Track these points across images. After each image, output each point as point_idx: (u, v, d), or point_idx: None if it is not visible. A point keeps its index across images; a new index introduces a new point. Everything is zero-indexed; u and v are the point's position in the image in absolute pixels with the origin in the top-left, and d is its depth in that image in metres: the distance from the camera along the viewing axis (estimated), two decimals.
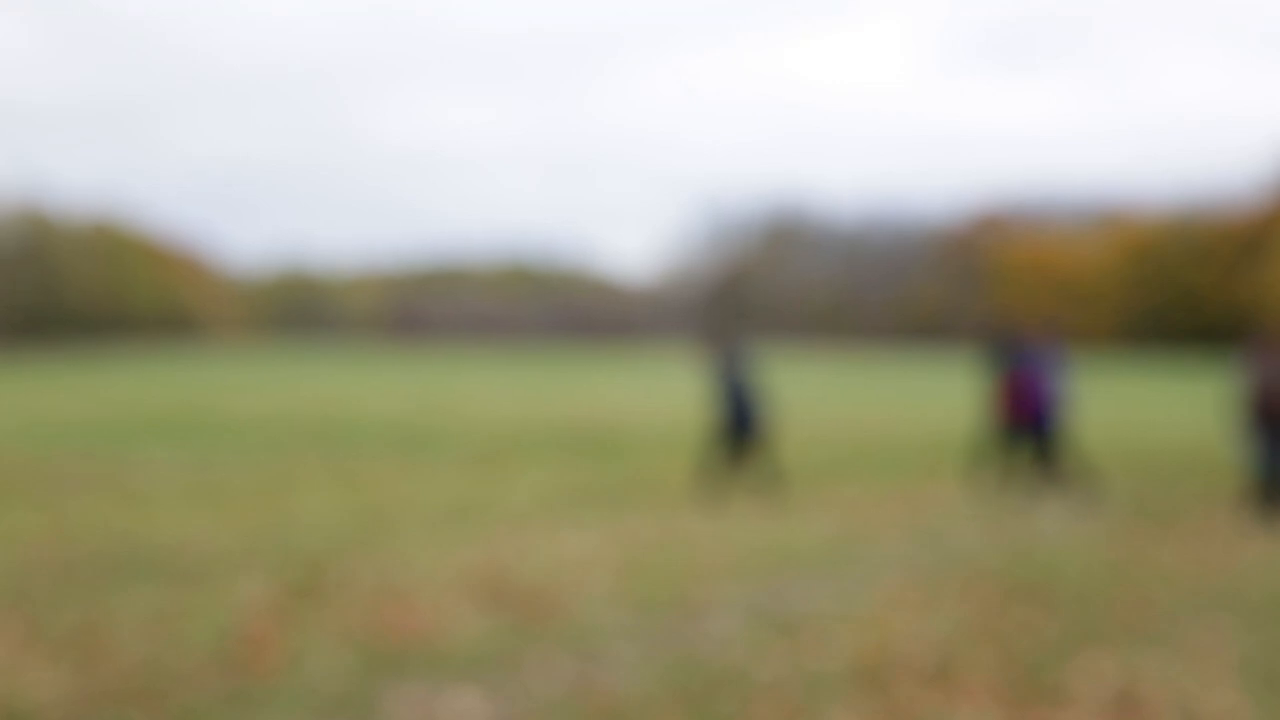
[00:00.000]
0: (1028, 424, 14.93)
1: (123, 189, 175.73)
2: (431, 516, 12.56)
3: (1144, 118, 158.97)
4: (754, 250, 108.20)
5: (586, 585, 8.95)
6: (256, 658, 6.80)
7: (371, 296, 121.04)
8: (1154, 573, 9.89)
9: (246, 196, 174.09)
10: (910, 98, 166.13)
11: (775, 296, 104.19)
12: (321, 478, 15.96)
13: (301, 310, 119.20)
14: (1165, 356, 77.69)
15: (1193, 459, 18.86)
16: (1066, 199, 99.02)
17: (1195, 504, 14.40)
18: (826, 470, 17.23)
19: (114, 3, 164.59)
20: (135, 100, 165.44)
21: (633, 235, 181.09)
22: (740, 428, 14.67)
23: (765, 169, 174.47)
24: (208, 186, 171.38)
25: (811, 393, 42.92)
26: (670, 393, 38.86)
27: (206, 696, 6.19)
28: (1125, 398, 39.89)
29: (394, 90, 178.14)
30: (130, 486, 14.86)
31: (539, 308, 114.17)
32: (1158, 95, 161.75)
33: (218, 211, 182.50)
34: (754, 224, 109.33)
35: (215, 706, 6.05)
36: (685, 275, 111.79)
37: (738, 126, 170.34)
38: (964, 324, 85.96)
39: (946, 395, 38.14)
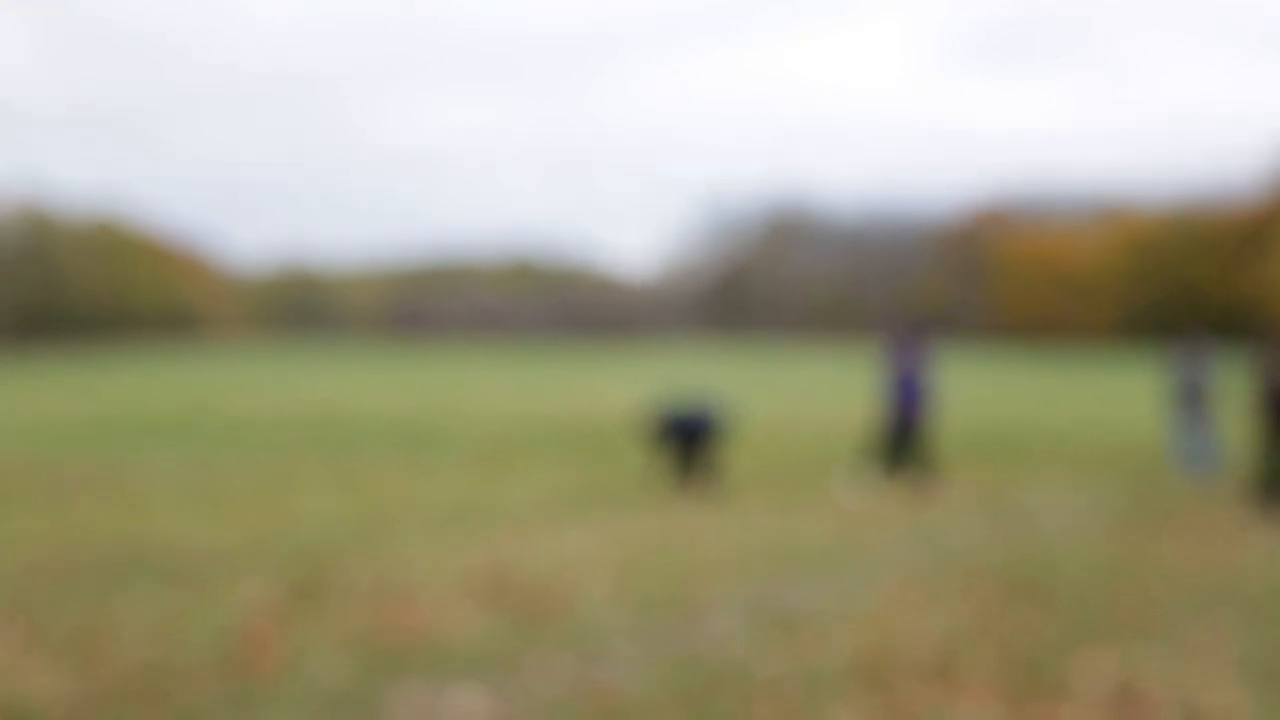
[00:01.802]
0: (901, 415, 15.23)
1: (124, 189, 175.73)
2: (433, 516, 12.57)
3: (1144, 114, 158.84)
4: (755, 246, 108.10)
5: (588, 584, 8.97)
6: (258, 658, 6.82)
7: (373, 294, 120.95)
8: (1154, 569, 9.89)
9: (248, 195, 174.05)
10: (911, 95, 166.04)
11: (777, 292, 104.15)
12: (323, 478, 15.97)
13: (303, 308, 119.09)
14: (1165, 351, 77.62)
15: None
16: (1067, 194, 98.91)
17: (1194, 499, 14.41)
18: (826, 467, 17.22)
19: (114, 6, 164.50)
20: (136, 102, 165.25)
21: (634, 232, 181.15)
22: (694, 429, 15.00)
23: (766, 167, 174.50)
24: (209, 186, 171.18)
25: (813, 388, 42.94)
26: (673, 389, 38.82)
27: (208, 697, 6.20)
28: (1125, 392, 39.87)
29: (395, 90, 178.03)
30: (131, 487, 14.87)
31: (541, 305, 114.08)
32: (1158, 91, 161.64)
33: (219, 211, 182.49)
34: (755, 220, 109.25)
35: (217, 707, 6.07)
36: (687, 271, 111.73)
37: (738, 125, 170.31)
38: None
39: (946, 389, 38.11)
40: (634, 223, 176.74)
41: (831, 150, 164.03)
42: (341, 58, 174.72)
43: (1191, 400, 16.75)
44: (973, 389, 40.06)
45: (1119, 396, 37.52)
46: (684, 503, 13.74)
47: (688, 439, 14.85)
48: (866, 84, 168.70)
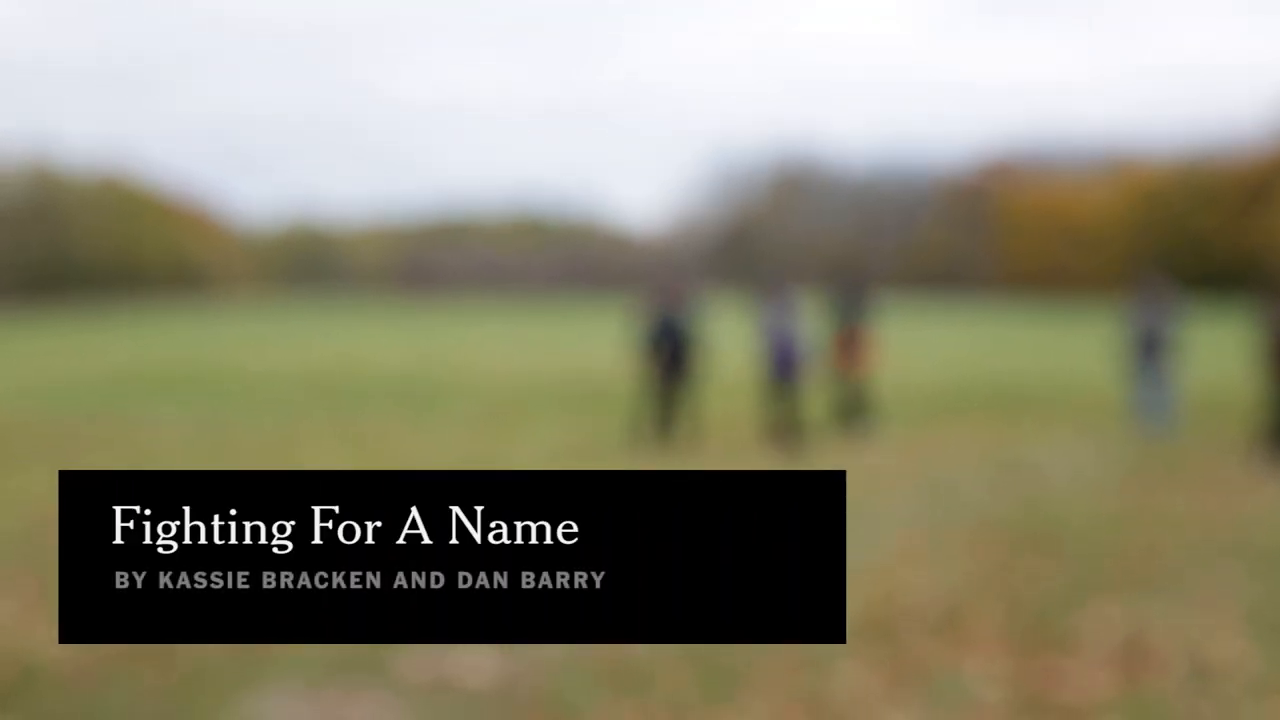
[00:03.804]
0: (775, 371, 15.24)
1: (131, 144, 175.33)
2: None
3: (1151, 65, 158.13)
4: (763, 199, 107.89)
5: None
6: None
7: (381, 249, 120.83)
8: (1161, 521, 9.89)
9: (255, 151, 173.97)
10: (918, 48, 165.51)
11: (784, 245, 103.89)
12: (329, 434, 15.99)
13: (311, 264, 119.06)
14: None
15: (1198, 406, 18.81)
16: (1075, 146, 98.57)
17: (1202, 452, 14.38)
18: (827, 420, 17.20)
19: None
20: (143, 56, 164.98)
21: (642, 186, 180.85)
22: (673, 371, 15.26)
23: (774, 120, 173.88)
24: (217, 141, 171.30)
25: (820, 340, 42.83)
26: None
27: (215, 656, 6.21)
28: None
29: (404, 45, 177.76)
30: (139, 445, 14.90)
31: (548, 259, 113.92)
32: (1164, 43, 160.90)
33: (227, 166, 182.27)
34: (762, 173, 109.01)
35: (224, 666, 6.08)
36: (694, 225, 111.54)
37: (747, 79, 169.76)
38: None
39: (954, 343, 38.10)
40: (642, 174, 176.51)
41: (839, 103, 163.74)
42: (352, 11, 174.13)
43: (1148, 350, 16.53)
44: (979, 342, 40.02)
45: None
46: (687, 459, 13.74)
47: (670, 353, 15.14)
48: (874, 37, 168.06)
